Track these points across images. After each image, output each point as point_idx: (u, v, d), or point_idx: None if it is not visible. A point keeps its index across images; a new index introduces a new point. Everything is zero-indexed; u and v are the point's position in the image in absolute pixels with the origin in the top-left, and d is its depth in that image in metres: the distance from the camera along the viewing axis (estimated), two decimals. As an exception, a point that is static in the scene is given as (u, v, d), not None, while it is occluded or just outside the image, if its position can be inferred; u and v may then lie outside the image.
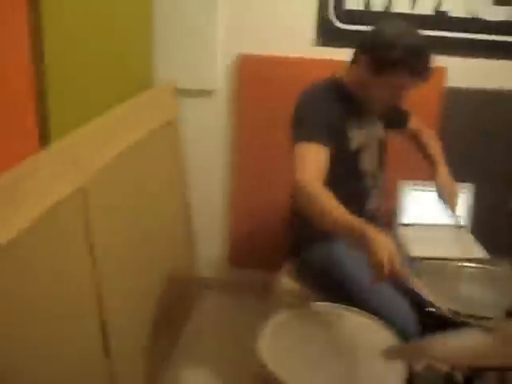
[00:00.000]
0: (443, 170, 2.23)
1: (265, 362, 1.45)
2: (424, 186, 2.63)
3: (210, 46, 2.69)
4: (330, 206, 1.64)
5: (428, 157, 2.30)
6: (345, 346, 1.60)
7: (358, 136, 2.00)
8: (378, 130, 2.13)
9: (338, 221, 1.61)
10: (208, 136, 2.85)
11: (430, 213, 2.55)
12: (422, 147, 2.34)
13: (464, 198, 2.66)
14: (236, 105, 2.79)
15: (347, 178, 2.01)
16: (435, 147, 2.31)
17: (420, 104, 2.57)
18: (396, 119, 2.27)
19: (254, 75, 2.72)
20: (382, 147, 2.15)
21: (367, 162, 2.07)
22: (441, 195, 2.19)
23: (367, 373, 1.49)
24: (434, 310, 1.79)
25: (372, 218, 2.04)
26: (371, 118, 2.09)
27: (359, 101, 2.00)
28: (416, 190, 2.64)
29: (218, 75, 2.74)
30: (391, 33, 1.85)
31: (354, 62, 1.96)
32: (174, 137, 2.71)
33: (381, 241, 1.49)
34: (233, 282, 3.01)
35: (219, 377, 2.39)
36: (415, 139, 2.37)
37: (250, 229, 2.93)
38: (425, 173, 2.31)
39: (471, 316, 1.73)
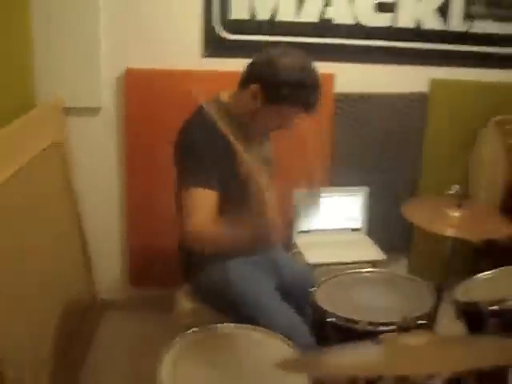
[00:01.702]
0: None
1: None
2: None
3: (93, 61, 2.56)
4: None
5: None
6: (245, 366, 1.57)
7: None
8: (265, 149, 2.07)
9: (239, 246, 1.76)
10: (98, 155, 2.73)
11: (325, 218, 2.57)
12: None
13: (359, 200, 2.71)
14: (125, 122, 2.69)
15: (240, 204, 1.97)
16: None
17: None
18: None
19: (141, 90, 2.63)
20: (271, 166, 2.10)
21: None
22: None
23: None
24: (333, 320, 1.81)
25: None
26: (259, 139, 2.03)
27: (246, 124, 1.93)
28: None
29: (102, 92, 2.63)
30: (284, 66, 1.78)
31: (242, 86, 1.88)
32: (63, 158, 2.58)
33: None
34: (134, 301, 2.92)
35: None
36: None
37: (148, 247, 2.85)
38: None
39: (370, 323, 1.76)
